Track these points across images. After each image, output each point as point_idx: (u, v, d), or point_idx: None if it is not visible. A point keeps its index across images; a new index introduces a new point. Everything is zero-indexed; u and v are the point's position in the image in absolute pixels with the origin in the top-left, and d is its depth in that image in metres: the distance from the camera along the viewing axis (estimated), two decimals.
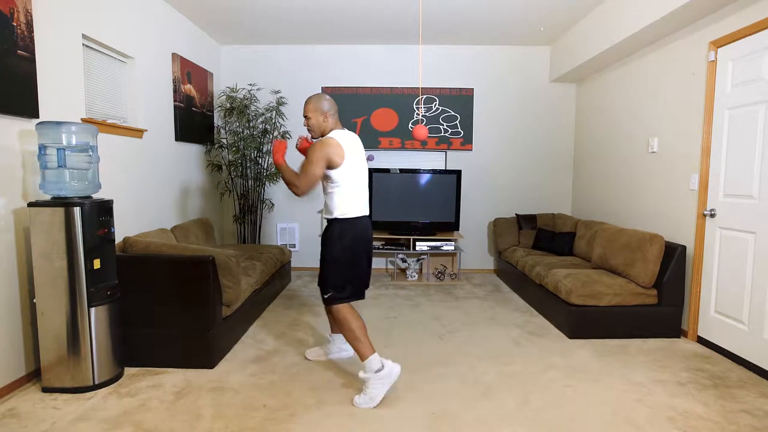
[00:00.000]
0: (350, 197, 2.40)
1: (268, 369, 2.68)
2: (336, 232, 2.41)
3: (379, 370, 2.29)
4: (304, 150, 2.58)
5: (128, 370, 2.63)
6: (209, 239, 3.99)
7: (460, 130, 5.19)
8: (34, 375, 2.51)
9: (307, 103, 2.44)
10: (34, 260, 2.30)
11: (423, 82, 5.14)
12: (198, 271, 2.62)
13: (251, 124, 4.76)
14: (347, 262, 2.42)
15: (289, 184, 2.34)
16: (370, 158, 5.22)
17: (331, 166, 2.31)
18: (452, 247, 4.85)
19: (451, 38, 4.85)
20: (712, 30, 3.03)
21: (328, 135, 2.39)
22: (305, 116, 2.44)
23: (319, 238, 2.74)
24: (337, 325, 2.53)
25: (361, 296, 2.50)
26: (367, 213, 2.49)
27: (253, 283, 3.38)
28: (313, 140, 2.54)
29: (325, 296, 2.43)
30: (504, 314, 3.77)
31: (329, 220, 2.46)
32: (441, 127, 5.18)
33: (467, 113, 5.17)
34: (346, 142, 2.36)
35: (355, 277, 2.45)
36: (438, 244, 4.85)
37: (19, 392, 2.37)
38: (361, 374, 2.32)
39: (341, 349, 2.83)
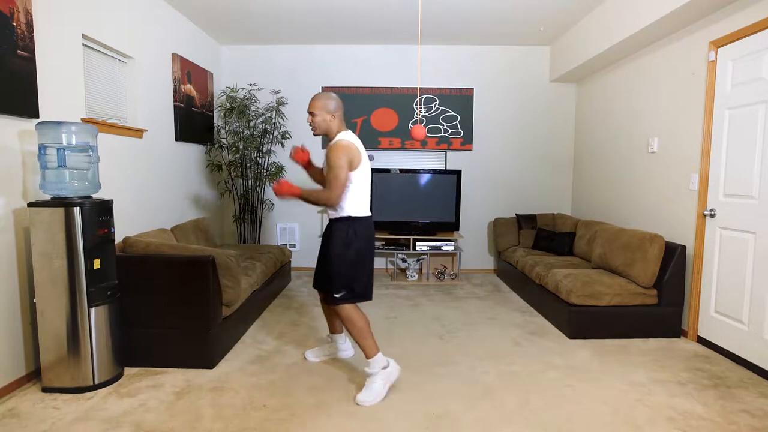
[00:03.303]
0: (362, 197, 2.41)
1: (268, 369, 2.68)
2: (348, 230, 2.39)
3: (385, 367, 2.37)
4: (301, 160, 2.56)
5: (128, 370, 2.63)
6: (209, 239, 3.99)
7: (460, 130, 5.19)
8: (34, 375, 2.51)
9: (314, 99, 2.40)
10: (34, 260, 2.30)
11: (423, 82, 5.14)
12: (198, 271, 2.62)
13: (251, 124, 4.76)
14: (359, 260, 2.41)
15: (319, 203, 2.32)
16: (370, 158, 5.22)
17: (351, 168, 2.31)
18: (452, 247, 4.85)
19: (451, 38, 4.85)
20: (712, 30, 3.03)
21: (341, 137, 2.36)
22: (310, 112, 2.41)
23: (320, 239, 2.68)
24: (343, 323, 2.48)
25: (369, 297, 2.48)
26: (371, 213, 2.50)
27: (253, 283, 3.38)
28: (306, 149, 2.57)
29: (337, 296, 2.38)
30: (504, 314, 3.77)
31: (338, 219, 2.41)
32: (441, 127, 5.18)
33: (467, 113, 5.17)
34: (358, 144, 2.39)
35: (365, 275, 2.44)
36: (438, 244, 4.85)
37: (19, 392, 2.37)
38: (367, 370, 2.36)
39: (341, 349, 2.84)
